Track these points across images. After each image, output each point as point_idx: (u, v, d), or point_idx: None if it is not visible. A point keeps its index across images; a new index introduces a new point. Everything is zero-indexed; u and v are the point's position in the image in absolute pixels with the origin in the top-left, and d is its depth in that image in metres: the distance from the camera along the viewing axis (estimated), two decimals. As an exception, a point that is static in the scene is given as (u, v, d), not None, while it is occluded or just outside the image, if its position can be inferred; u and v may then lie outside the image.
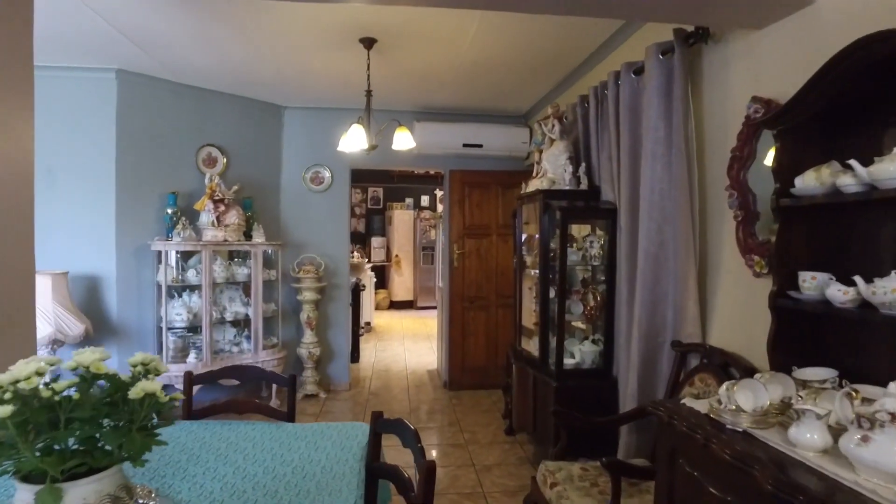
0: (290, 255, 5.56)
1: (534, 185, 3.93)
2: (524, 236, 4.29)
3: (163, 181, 4.70)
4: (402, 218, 11.37)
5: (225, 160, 5.10)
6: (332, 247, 5.71)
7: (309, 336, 5.45)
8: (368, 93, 3.88)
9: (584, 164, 3.74)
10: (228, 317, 4.93)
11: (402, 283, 11.39)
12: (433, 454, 4.18)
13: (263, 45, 3.92)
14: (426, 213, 11.50)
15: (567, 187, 3.70)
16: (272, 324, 5.32)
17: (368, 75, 3.88)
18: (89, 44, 3.89)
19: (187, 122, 4.87)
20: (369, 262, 11.13)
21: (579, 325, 3.79)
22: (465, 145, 5.65)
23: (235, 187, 4.92)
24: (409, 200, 11.76)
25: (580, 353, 3.58)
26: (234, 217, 4.85)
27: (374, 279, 9.96)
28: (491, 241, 5.88)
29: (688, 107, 2.78)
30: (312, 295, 5.41)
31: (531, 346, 4.10)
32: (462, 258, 5.82)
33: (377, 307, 11.13)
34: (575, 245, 3.80)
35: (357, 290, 6.96)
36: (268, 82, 4.82)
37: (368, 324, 8.83)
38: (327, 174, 5.64)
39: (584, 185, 3.71)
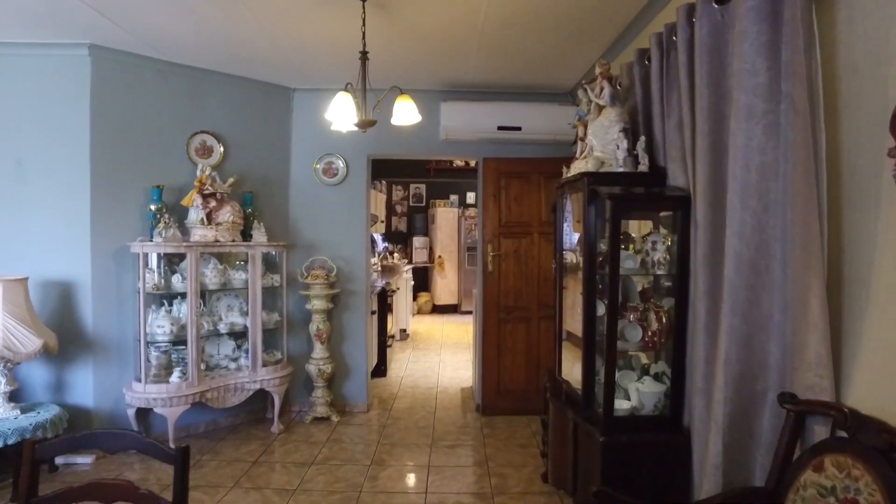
0: (301, 257, 4.82)
1: (577, 167, 2.97)
2: (577, 236, 3.33)
3: (147, 173, 4.05)
4: (445, 216, 10.53)
5: (222, 149, 4.41)
6: (348, 248, 4.92)
7: (319, 350, 4.69)
8: (364, 55, 3.04)
9: (643, 139, 2.75)
10: (223, 328, 4.23)
11: (446, 286, 10.55)
12: (450, 507, 3.30)
13: (241, 4, 3.16)
14: (471, 211, 10.60)
15: (620, 169, 2.72)
16: (276, 336, 4.59)
17: (364, 32, 3.04)
18: (52, 14, 3.27)
19: (177, 106, 4.21)
20: (410, 263, 10.37)
21: (637, 354, 2.80)
22: (500, 128, 4.73)
23: (231, 180, 4.22)
24: (453, 198, 10.89)
25: (638, 393, 2.60)
26: (227, 214, 4.15)
27: (412, 282, 9.16)
28: (532, 240, 4.93)
29: (810, 32, 1.77)
30: (322, 303, 4.64)
31: (576, 374, 3.15)
32: (497, 261, 4.90)
33: (419, 311, 10.36)
34: (631, 247, 2.83)
35: (385, 296, 6.17)
36: (265, 57, 4.07)
37: (404, 331, 8.04)
38: (341, 165, 4.86)
39: (643, 166, 2.72)
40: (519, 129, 4.74)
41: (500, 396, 4.90)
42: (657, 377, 2.71)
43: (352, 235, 4.92)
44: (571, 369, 3.26)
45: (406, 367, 6.58)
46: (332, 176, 4.87)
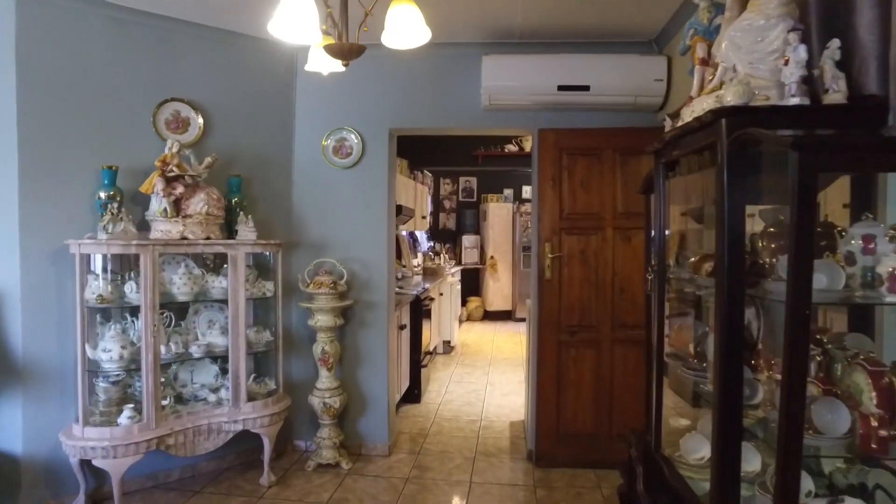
0: (306, 258, 3.73)
1: (700, 106, 1.68)
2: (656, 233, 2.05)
3: (100, 152, 3.06)
4: (498, 212, 9.27)
5: (202, 122, 3.38)
6: (365, 248, 3.79)
7: (325, 379, 3.58)
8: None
9: (836, 44, 1.43)
10: (197, 351, 3.19)
11: (499, 290, 9.29)
12: None
13: None
14: (527, 207, 9.30)
15: (793, 100, 1.42)
16: (269, 360, 3.52)
17: None
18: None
19: (139, 67, 3.20)
20: (459, 264, 9.19)
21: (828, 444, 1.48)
22: (561, 88, 3.47)
23: (208, 160, 3.17)
24: (507, 192, 9.62)
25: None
26: (200, 203, 3.11)
27: (459, 286, 7.96)
28: (603, 237, 3.62)
29: None
30: (329, 319, 3.52)
31: (689, 450, 1.89)
32: (558, 265, 3.62)
33: (468, 317, 9.16)
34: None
35: (419, 305, 5.01)
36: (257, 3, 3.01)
37: (448, 343, 6.87)
38: (355, 141, 3.74)
39: (836, 94, 1.41)
40: (586, 88, 3.46)
41: (560, 443, 3.62)
42: (865, 494, 1.39)
43: (369, 232, 3.79)
44: (679, 436, 1.98)
45: (446, 389, 5.39)
46: (345, 156, 3.75)
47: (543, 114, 3.63)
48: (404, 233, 7.34)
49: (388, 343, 3.85)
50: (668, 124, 1.96)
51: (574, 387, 3.62)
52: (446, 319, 6.75)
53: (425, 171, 7.87)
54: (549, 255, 3.60)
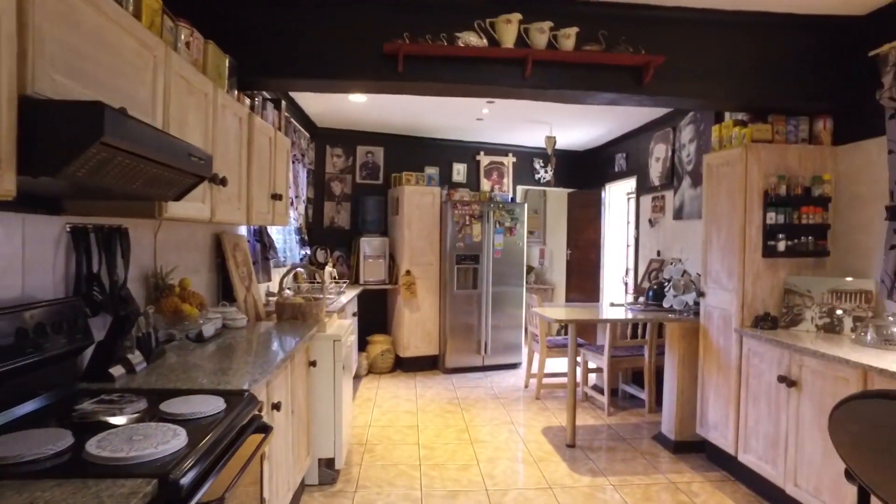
0: None
1: None
2: None
3: None
4: (418, 201, 5.63)
5: None
6: None
7: None
8: None
9: None
10: None
11: (419, 325, 5.64)
12: None
13: None
14: (463, 193, 5.79)
15: None
16: None
17: None
18: None
19: None
20: (356, 283, 5.46)
21: None
22: None
23: None
24: (430, 171, 6.03)
25: None
26: None
27: (356, 329, 4.16)
28: None
29: None
30: None
31: None
32: None
33: (370, 369, 5.44)
34: None
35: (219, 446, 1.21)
36: None
37: (331, 463, 3.08)
38: None
39: None
40: None
41: None
42: None
43: None
44: None
45: None
46: None
47: None
48: (241, 231, 3.46)
49: None
50: None
51: None
52: (325, 419, 2.99)
53: (284, 113, 4.06)
54: None
